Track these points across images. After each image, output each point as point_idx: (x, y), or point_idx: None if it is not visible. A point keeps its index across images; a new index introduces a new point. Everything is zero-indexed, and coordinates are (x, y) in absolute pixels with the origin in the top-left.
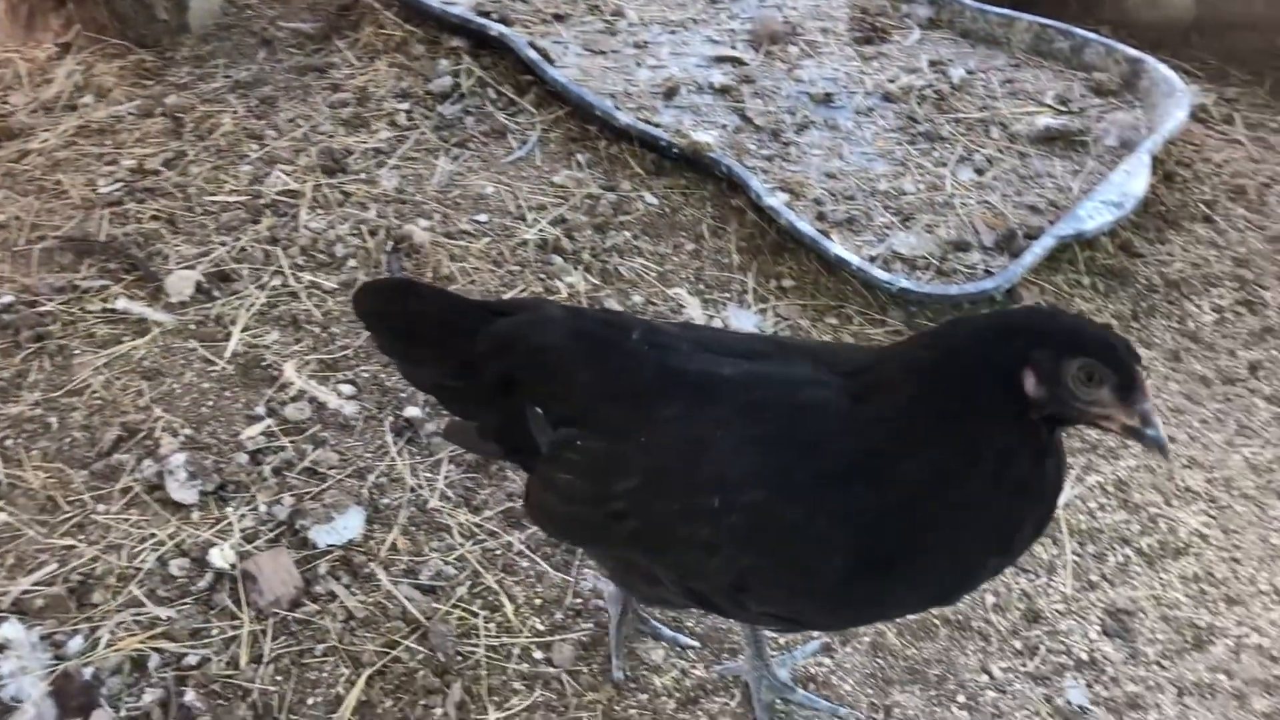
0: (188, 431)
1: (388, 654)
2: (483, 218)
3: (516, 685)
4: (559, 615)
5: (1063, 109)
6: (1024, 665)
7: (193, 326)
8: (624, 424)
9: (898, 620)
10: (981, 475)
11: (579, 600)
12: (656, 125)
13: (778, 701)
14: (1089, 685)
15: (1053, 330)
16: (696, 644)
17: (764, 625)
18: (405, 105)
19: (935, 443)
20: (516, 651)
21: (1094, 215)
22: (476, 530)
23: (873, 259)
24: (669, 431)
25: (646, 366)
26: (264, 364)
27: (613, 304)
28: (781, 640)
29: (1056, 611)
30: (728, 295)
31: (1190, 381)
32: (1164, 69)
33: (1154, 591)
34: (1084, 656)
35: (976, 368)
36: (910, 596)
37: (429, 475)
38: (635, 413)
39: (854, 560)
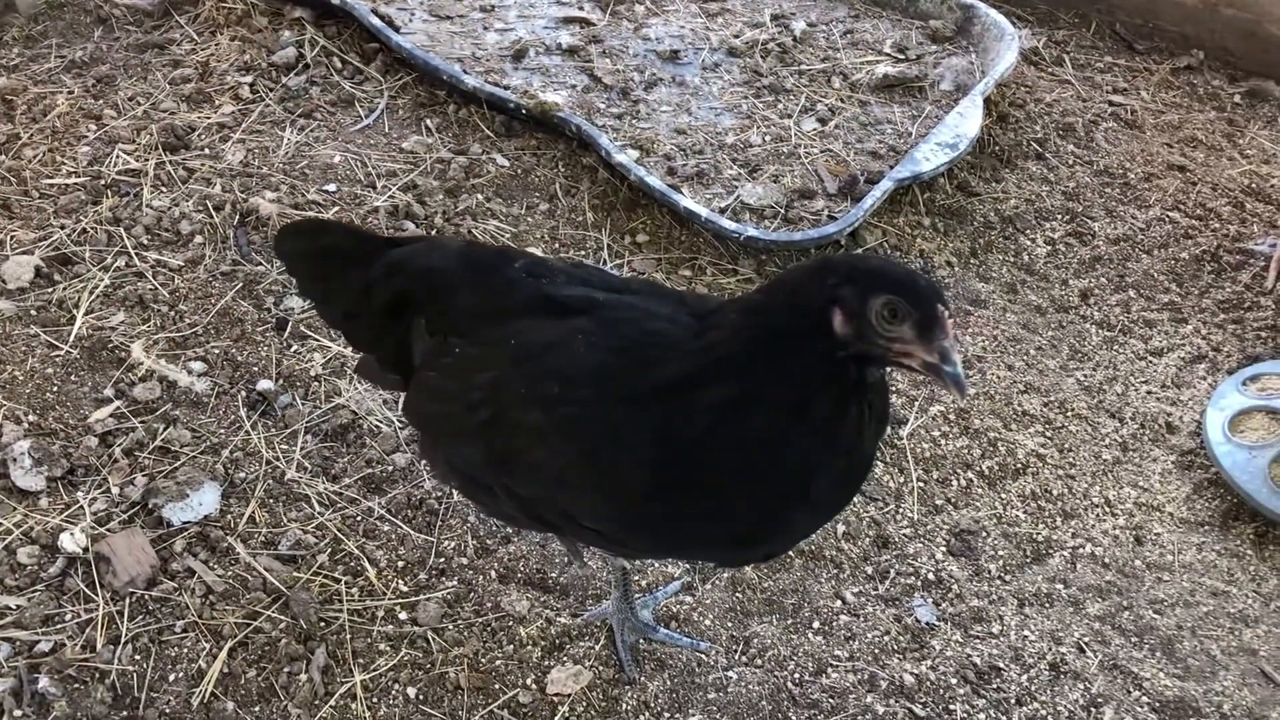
0: (32, 418)
1: (249, 625)
2: (331, 187)
3: (382, 646)
4: (422, 576)
5: (900, 56)
6: (875, 589)
7: (33, 312)
8: (494, 333)
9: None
10: (779, 408)
11: (442, 560)
12: (505, 88)
13: (641, 641)
14: (936, 603)
15: (860, 269)
16: (708, 645)
17: (589, 543)
18: (249, 78)
19: (742, 373)
20: (381, 614)
21: (930, 157)
22: (336, 498)
23: (722, 210)
24: (532, 332)
25: (524, 288)
26: (110, 346)
27: None
28: (644, 583)
29: (904, 536)
30: (583, 253)
31: (1026, 312)
32: (995, 14)
33: (995, 511)
34: (931, 577)
35: (790, 305)
36: (708, 530)
37: (285, 447)
38: (505, 325)
39: (655, 476)
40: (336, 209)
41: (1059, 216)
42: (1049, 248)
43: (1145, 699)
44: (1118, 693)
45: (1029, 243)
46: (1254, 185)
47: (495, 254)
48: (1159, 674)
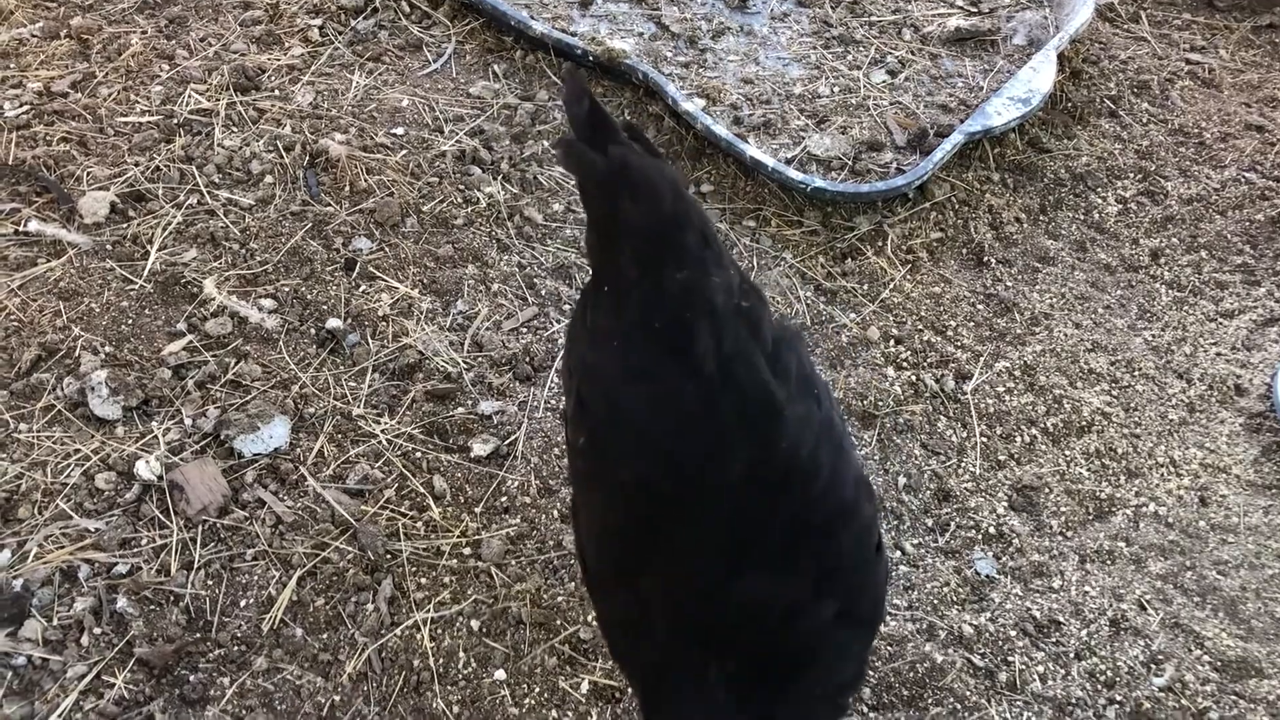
0: (108, 349)
1: (318, 555)
2: (399, 131)
3: (446, 580)
4: (486, 513)
5: (973, 10)
6: (935, 541)
7: (109, 247)
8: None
9: None
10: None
11: (505, 499)
12: (572, 34)
13: None
14: (996, 557)
15: None
16: None
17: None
18: (318, 21)
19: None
20: (446, 549)
21: (1001, 112)
22: (400, 437)
23: (788, 161)
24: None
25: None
26: (183, 281)
27: (533, 213)
28: None
29: (966, 490)
30: None
31: (1095, 270)
32: None
33: (1058, 468)
34: (992, 531)
35: None
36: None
37: (353, 384)
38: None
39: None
40: (404, 152)
41: (1131, 175)
42: (1120, 206)
43: (1207, 658)
44: (1179, 650)
45: (1100, 201)
46: None
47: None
48: (1221, 634)
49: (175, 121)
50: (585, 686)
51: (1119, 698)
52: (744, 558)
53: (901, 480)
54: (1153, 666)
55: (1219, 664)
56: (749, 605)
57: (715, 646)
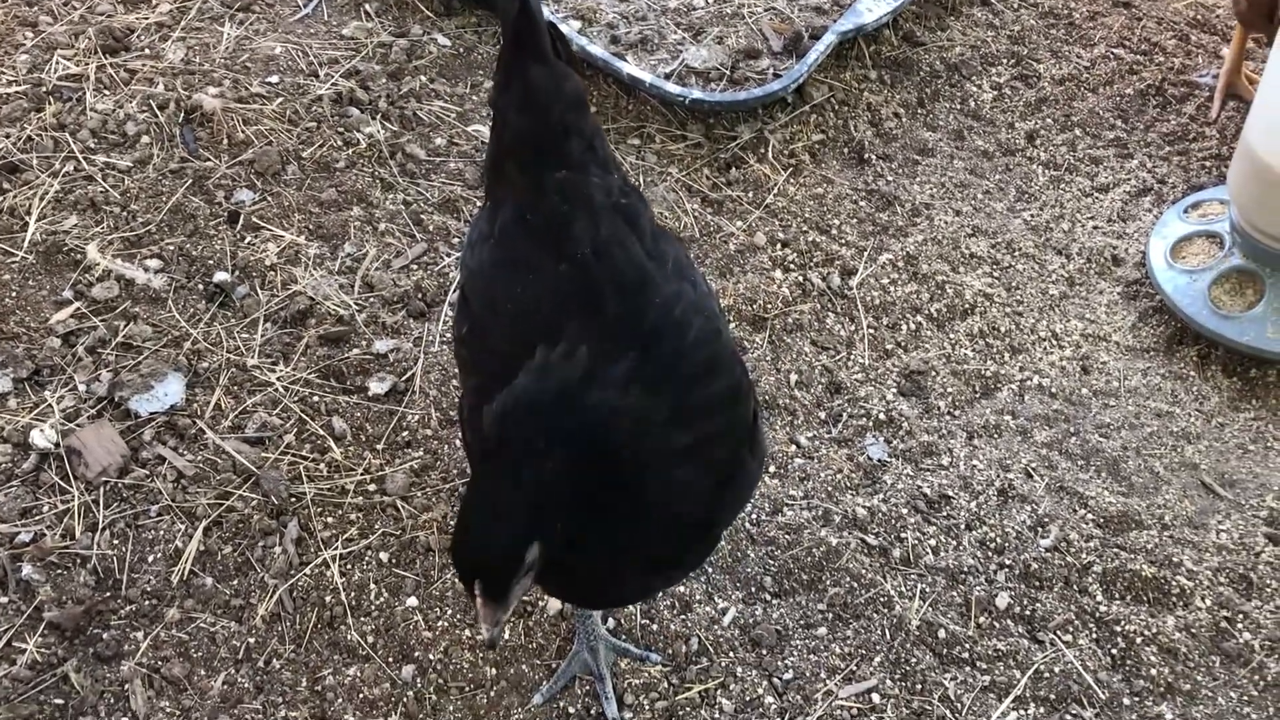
0: None
1: (221, 505)
2: (274, 79)
3: (353, 517)
4: (388, 450)
5: None
6: (828, 432)
7: None
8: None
9: None
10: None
11: (406, 433)
12: None
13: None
14: (887, 441)
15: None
16: (657, 657)
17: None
18: None
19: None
20: (350, 487)
21: (873, 8)
22: (297, 383)
23: (666, 76)
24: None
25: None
26: (66, 249)
27: (415, 149)
28: None
29: (856, 381)
30: None
31: (974, 157)
32: None
33: (944, 351)
34: (882, 417)
35: None
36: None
37: (245, 336)
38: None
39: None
40: (280, 99)
41: (1004, 61)
42: (995, 93)
43: (1090, 515)
44: (1064, 511)
45: (975, 89)
46: (1199, 17)
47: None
48: (1104, 492)
49: (44, 89)
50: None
51: (1008, 562)
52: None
53: (793, 378)
54: (1039, 529)
55: (1101, 520)
56: (598, 407)
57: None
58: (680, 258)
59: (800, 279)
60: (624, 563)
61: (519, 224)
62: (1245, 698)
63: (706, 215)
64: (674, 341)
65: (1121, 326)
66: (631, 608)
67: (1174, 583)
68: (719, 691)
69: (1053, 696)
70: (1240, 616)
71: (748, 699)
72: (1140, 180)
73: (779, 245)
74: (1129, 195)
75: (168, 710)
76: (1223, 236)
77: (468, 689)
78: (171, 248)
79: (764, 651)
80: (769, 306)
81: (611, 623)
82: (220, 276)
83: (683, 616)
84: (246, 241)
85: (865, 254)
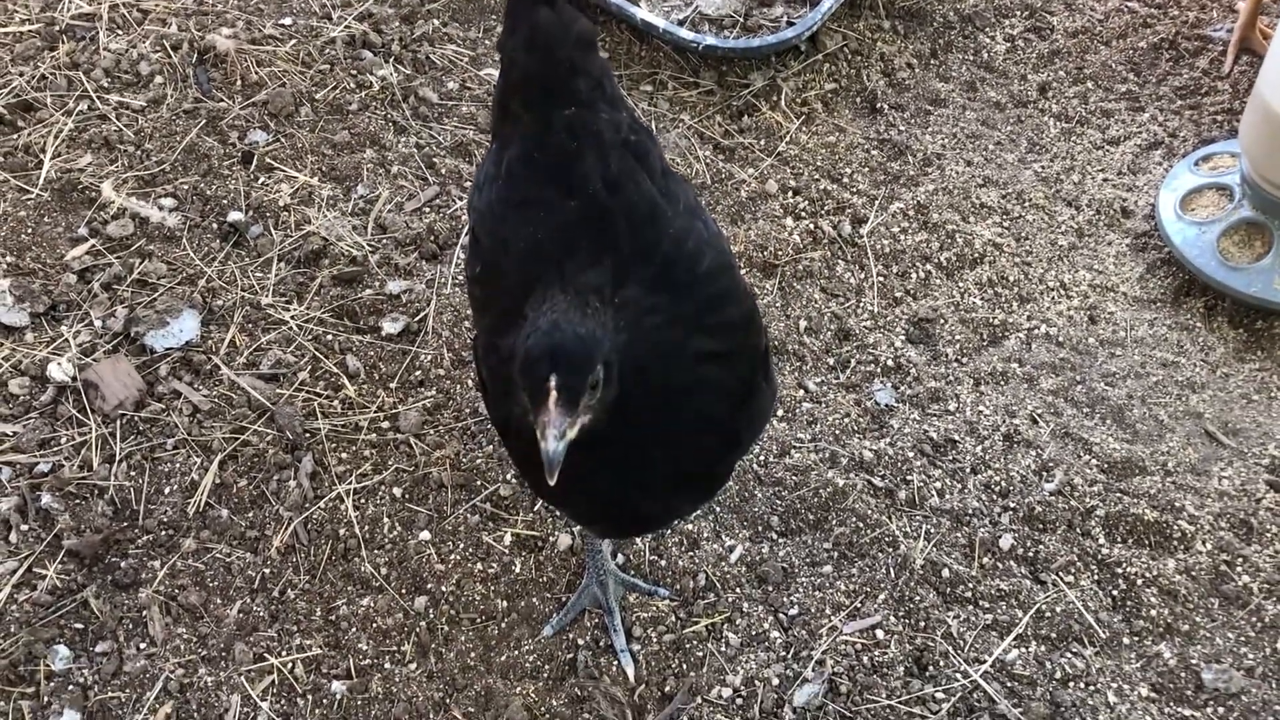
0: (10, 259)
1: (237, 439)
2: (287, 21)
3: (366, 453)
4: (401, 388)
5: None
6: (836, 378)
7: (1, 158)
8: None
9: None
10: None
11: (419, 372)
12: None
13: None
14: (895, 387)
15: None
16: (667, 594)
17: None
18: None
19: None
20: (364, 424)
21: None
22: (310, 321)
23: (680, 22)
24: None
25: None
26: (80, 187)
27: (428, 93)
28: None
29: (865, 328)
30: None
31: (986, 108)
32: None
33: (953, 299)
34: (890, 363)
35: None
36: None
37: (259, 275)
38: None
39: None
40: (294, 41)
41: (1018, 13)
42: (1008, 44)
43: (1094, 461)
44: (1068, 457)
45: (988, 40)
46: None
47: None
48: (1108, 439)
49: (57, 29)
50: (508, 539)
51: (1013, 505)
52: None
53: (803, 324)
54: (1044, 474)
55: (1105, 466)
56: (630, 303)
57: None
58: (690, 199)
59: (811, 226)
60: (653, 470)
61: (527, 162)
62: (1243, 638)
63: (719, 162)
64: (687, 271)
65: (1129, 278)
66: (640, 543)
67: (1175, 527)
68: (725, 625)
69: (1054, 635)
70: (1240, 560)
71: (753, 633)
72: (1151, 133)
73: (790, 193)
74: (1140, 148)
75: (184, 636)
76: (1233, 189)
77: (479, 620)
78: (186, 187)
79: (770, 588)
80: (780, 253)
81: (620, 558)
82: (234, 216)
83: (691, 553)
84: (260, 182)
85: (876, 203)
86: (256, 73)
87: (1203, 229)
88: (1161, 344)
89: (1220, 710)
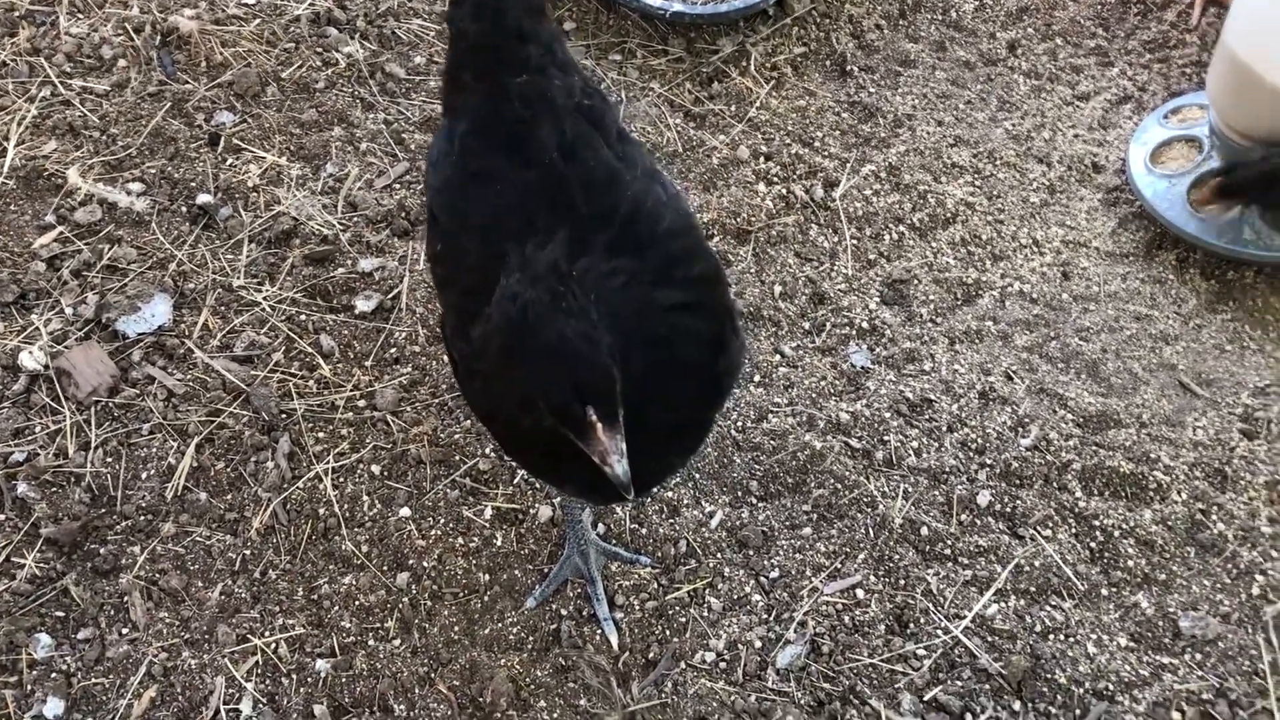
0: None
1: (213, 422)
2: (251, 0)
3: (344, 431)
4: (376, 366)
5: None
6: (812, 342)
7: None
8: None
9: None
10: None
11: (394, 349)
12: None
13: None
14: (870, 349)
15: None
16: (649, 561)
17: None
18: None
19: None
20: (340, 403)
21: None
22: (284, 302)
23: None
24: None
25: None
26: (46, 174)
27: (394, 68)
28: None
29: (839, 291)
30: None
31: (955, 68)
32: None
33: (926, 260)
34: (865, 326)
35: None
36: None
37: (230, 257)
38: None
39: None
40: (258, 21)
41: None
42: (976, 3)
43: (1070, 415)
44: (1044, 412)
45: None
46: None
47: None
48: (1083, 393)
49: (17, 14)
50: (488, 512)
51: (989, 461)
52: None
53: (778, 289)
54: (1020, 430)
55: (1081, 420)
56: (587, 274)
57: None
58: (648, 164)
59: (783, 192)
60: (646, 426)
61: (480, 135)
62: (1218, 585)
63: (689, 130)
64: (648, 231)
65: (1101, 232)
66: (620, 512)
67: (1151, 478)
68: (707, 591)
69: (1033, 589)
70: (1215, 508)
71: (735, 597)
72: (1121, 88)
73: (762, 158)
74: (1109, 103)
75: (167, 620)
76: (1202, 140)
77: (462, 594)
78: (153, 171)
79: (750, 552)
80: (753, 219)
81: (601, 528)
82: (203, 199)
83: (671, 521)
84: (228, 163)
85: (848, 165)
86: (221, 53)
87: (1173, 181)
88: (1134, 297)
89: (1198, 657)
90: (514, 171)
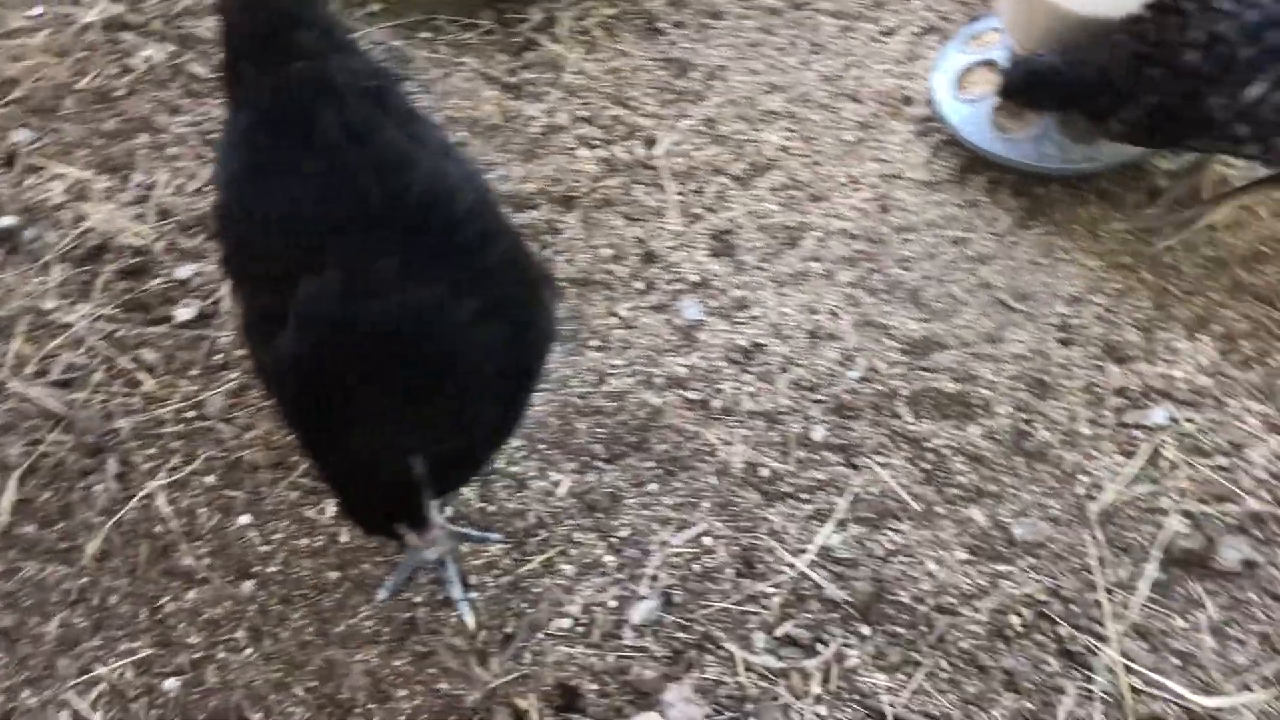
0: None
1: (34, 451)
2: (36, 10)
3: (174, 445)
4: (202, 374)
5: None
6: (645, 301)
7: None
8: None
9: None
10: None
11: (220, 355)
12: None
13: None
14: (702, 301)
15: None
16: (498, 536)
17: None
18: None
19: None
20: (168, 416)
21: None
22: (100, 320)
23: None
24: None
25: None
26: None
27: (197, 69)
28: None
29: (668, 248)
30: None
31: (763, 15)
32: None
33: (750, 208)
34: (696, 279)
35: None
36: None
37: (39, 280)
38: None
39: None
40: (47, 31)
41: None
42: None
43: (894, 344)
44: (870, 344)
45: None
46: None
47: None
48: (907, 321)
49: None
50: (330, 509)
51: (821, 397)
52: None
53: (608, 252)
54: (848, 363)
55: (906, 347)
56: (377, 309)
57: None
58: (443, 140)
59: (606, 155)
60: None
61: (264, 126)
62: (1046, 490)
63: (506, 101)
64: (444, 216)
65: (916, 163)
66: (467, 491)
67: (976, 395)
68: (559, 559)
69: (872, 515)
70: (1038, 417)
71: (587, 561)
72: (924, 20)
73: (581, 123)
74: (914, 36)
75: (3, 661)
76: (1001, 63)
77: (311, 595)
78: None
79: (600, 515)
80: (577, 185)
81: (449, 510)
82: (5, 222)
83: (519, 494)
84: (28, 183)
85: (666, 122)
86: (10, 69)
87: (977, 105)
88: (951, 223)
89: (1032, 561)
90: (299, 161)
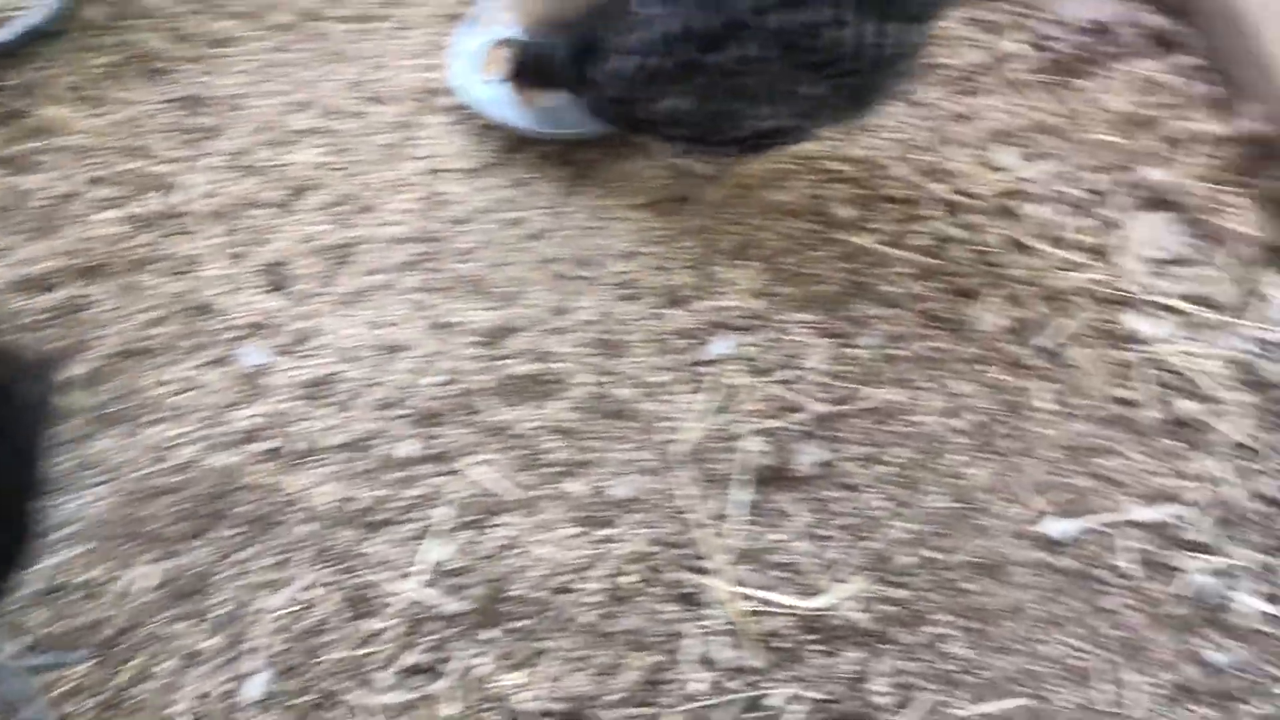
0: None
1: None
2: None
3: None
4: None
5: None
6: (199, 358)
7: None
8: None
9: None
10: None
11: None
12: None
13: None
14: (263, 343)
15: None
16: (82, 653)
17: None
18: None
19: None
20: None
21: None
22: None
23: None
24: None
25: None
26: None
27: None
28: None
29: (217, 296)
30: None
31: (276, 33)
32: None
33: (296, 235)
34: (253, 322)
35: None
36: None
37: None
38: None
39: None
40: None
41: None
42: None
43: (468, 339)
44: (443, 345)
45: None
46: None
47: None
48: (476, 313)
49: None
50: None
51: (405, 411)
52: None
53: (149, 316)
54: (426, 370)
55: (479, 339)
56: None
57: None
58: None
59: (128, 213)
60: None
61: None
62: (634, 445)
63: (7, 179)
64: None
65: (457, 153)
66: (32, 619)
67: (552, 370)
68: (152, 661)
69: (477, 516)
70: (613, 376)
71: (186, 653)
72: (442, 6)
73: (95, 185)
74: (436, 26)
75: None
76: (512, 39)
77: None
78: None
79: (191, 600)
80: (101, 253)
81: (10, 647)
82: None
83: (93, 604)
84: None
85: (188, 164)
86: None
87: (499, 84)
88: (503, 205)
89: (635, 516)
90: None
